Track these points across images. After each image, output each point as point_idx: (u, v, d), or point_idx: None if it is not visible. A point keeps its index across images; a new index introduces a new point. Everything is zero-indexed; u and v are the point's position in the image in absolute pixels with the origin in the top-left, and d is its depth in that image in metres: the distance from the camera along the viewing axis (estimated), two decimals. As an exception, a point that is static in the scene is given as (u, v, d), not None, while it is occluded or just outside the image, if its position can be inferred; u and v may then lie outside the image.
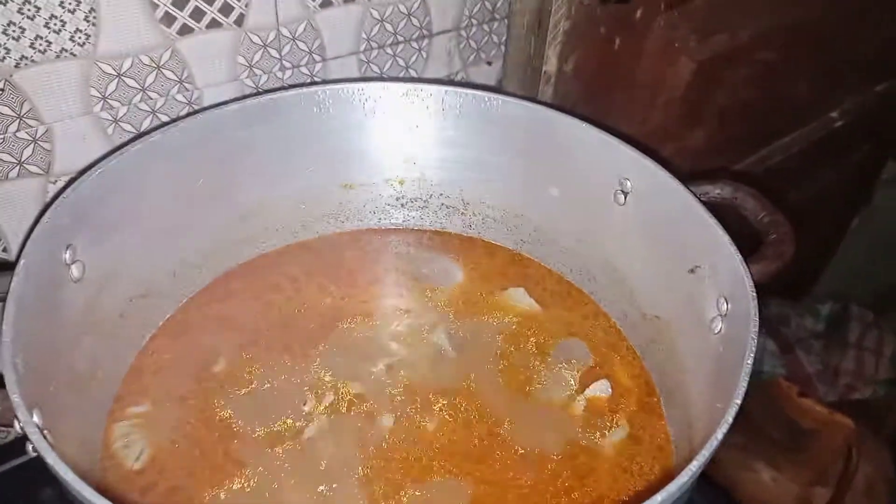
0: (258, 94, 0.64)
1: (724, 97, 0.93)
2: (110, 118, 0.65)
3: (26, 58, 0.57)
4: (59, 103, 0.61)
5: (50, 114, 0.61)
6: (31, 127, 0.60)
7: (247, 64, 0.68)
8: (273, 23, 0.68)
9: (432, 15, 0.78)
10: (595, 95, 0.78)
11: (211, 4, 0.63)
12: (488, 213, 0.67)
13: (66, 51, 0.58)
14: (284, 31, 0.69)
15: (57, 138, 0.63)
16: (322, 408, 0.54)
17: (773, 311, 1.43)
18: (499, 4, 0.80)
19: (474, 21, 0.82)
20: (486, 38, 0.84)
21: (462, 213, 0.68)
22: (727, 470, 1.17)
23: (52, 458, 0.32)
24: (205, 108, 0.63)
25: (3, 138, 0.60)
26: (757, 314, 0.41)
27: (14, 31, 0.56)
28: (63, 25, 0.57)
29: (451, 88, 0.61)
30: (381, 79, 0.68)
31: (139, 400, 0.54)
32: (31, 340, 0.40)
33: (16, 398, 0.34)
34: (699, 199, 0.50)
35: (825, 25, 0.98)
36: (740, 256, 0.45)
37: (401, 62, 0.79)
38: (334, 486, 0.49)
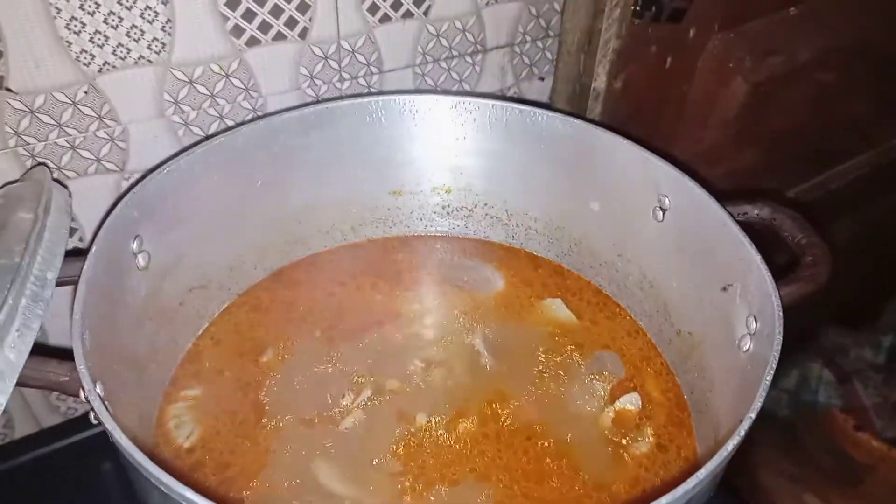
0: (316, 102, 0.68)
1: (779, 119, 0.93)
2: (181, 121, 0.69)
3: (108, 63, 0.62)
4: (136, 106, 0.66)
5: (127, 115, 0.66)
6: (109, 127, 0.66)
7: (308, 74, 0.72)
8: (334, 36, 0.72)
9: (487, 31, 0.81)
10: (644, 114, 0.79)
11: (277, 18, 0.68)
12: (531, 225, 0.69)
13: (144, 58, 0.63)
14: (345, 45, 0.73)
15: (132, 138, 0.68)
16: (359, 401, 0.56)
17: (831, 341, 1.40)
18: (553, 22, 0.82)
19: (528, 38, 0.84)
20: (539, 54, 0.86)
21: (505, 224, 0.70)
22: (776, 499, 1.14)
23: (111, 426, 0.36)
24: (266, 115, 0.67)
25: (85, 137, 0.65)
26: (781, 333, 0.42)
27: (99, 39, 0.61)
28: (142, 35, 0.62)
29: (497, 102, 0.63)
30: (431, 91, 0.71)
31: (192, 383, 0.57)
32: (98, 321, 0.45)
33: (82, 369, 0.38)
34: (735, 218, 0.51)
35: (888, 48, 0.96)
36: (770, 275, 0.45)
37: (455, 76, 0.82)
38: (365, 476, 0.51)
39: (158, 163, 0.66)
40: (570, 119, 0.61)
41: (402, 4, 0.73)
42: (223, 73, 0.68)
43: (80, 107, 0.63)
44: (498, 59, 0.84)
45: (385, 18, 0.73)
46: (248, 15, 0.66)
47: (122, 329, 0.49)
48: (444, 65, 0.80)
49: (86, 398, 0.36)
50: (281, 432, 0.54)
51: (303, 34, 0.69)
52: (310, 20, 0.69)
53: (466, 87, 0.84)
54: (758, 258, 0.47)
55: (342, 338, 0.62)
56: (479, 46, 0.82)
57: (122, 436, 0.34)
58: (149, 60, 0.64)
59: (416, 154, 0.67)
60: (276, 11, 0.67)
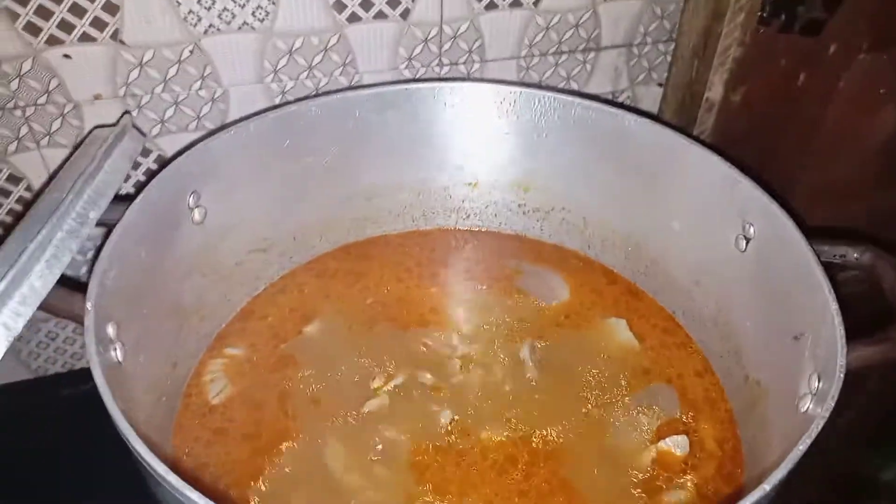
0: (396, 82, 0.67)
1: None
2: (278, 90, 0.71)
3: (213, 26, 0.64)
4: (237, 70, 0.68)
5: (227, 78, 0.68)
6: (211, 87, 0.68)
7: (407, 56, 0.72)
8: (437, 19, 0.70)
9: (602, 28, 0.76)
10: (764, 134, 0.71)
11: (380, -5, 0.67)
12: (608, 237, 0.65)
13: (248, 24, 0.65)
14: (447, 29, 0.71)
15: (232, 100, 0.70)
16: (388, 387, 0.55)
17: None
18: (678, 24, 0.76)
19: (649, 39, 0.78)
20: (660, 58, 0.80)
21: (582, 232, 0.66)
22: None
23: (97, 374, 0.36)
24: (342, 90, 0.67)
25: (188, 94, 0.68)
26: (836, 395, 0.35)
27: (206, 2, 0.63)
28: (247, 1, 0.64)
29: (582, 101, 0.59)
30: (509, 83, 0.67)
31: (237, 342, 0.59)
32: (135, 265, 0.46)
33: (89, 305, 0.39)
34: (822, 258, 0.44)
35: None
36: (842, 329, 0.39)
37: (562, 72, 0.78)
38: (371, 468, 0.50)
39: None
40: (658, 126, 0.56)
41: (510, -8, 0.70)
42: (322, 47, 0.69)
43: (185, 65, 0.66)
44: (612, 59, 0.79)
45: (491, 6, 0.71)
46: (351, -10, 0.66)
47: (165, 278, 0.51)
48: (551, 59, 0.77)
49: (84, 338, 0.37)
50: (306, 406, 0.54)
51: (404, 14, 0.69)
52: (412, 1, 0.68)
53: (574, 86, 0.80)
54: (834, 306, 0.40)
55: (389, 322, 0.61)
56: (591, 44, 0.77)
57: (98, 371, 0.35)
58: (252, 27, 0.65)
59: (496, 147, 0.64)
60: (380, -11, 0.66)
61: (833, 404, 0.36)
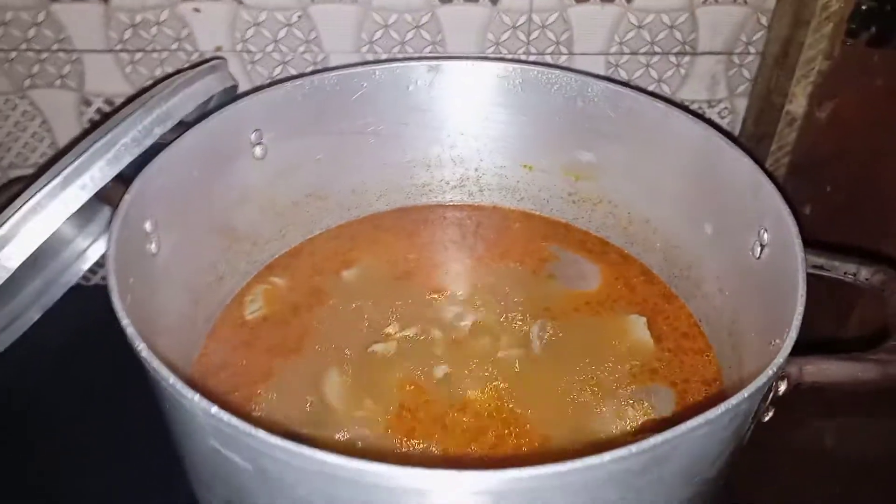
0: (458, 57, 0.70)
1: None
2: (372, 59, 0.78)
3: (321, -5, 0.72)
4: (337, 38, 0.75)
5: (329, 45, 0.76)
6: (315, 52, 0.76)
7: (494, 41, 0.75)
8: (526, 7, 0.73)
9: (700, 32, 0.75)
10: (856, 157, 0.67)
11: (472, -20, 0.71)
12: (649, 237, 0.64)
13: (351, -4, 0.72)
14: (535, 18, 0.74)
15: (331, 65, 0.78)
16: (399, 335, 0.59)
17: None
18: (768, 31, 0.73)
19: (752, 49, 0.76)
20: (762, 70, 0.77)
21: (625, 229, 0.66)
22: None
23: (109, 248, 0.43)
24: (398, 59, 0.72)
25: (294, 56, 0.77)
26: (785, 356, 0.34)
27: (316, -27, 0.71)
28: (352, -24, 0.71)
29: (630, 92, 0.59)
30: (563, 68, 0.68)
31: (283, 274, 0.66)
32: (185, 179, 0.54)
33: (128, 197, 0.47)
34: (830, 273, 0.42)
35: None
36: (788, 344, 0.37)
37: (653, 74, 0.78)
38: (361, 402, 0.55)
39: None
40: (701, 124, 0.55)
41: (603, -13, 0.71)
42: (414, 24, 0.74)
43: (293, 29, 0.74)
44: (709, 65, 0.78)
45: (584, -1, 0.72)
46: (446, -27, 0.71)
47: (217, 200, 0.59)
48: (642, 59, 0.77)
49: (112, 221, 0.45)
50: (321, 336, 0.59)
51: (495, 0, 0.72)
52: (504, -13, 0.71)
53: (666, 89, 0.79)
54: (795, 322, 0.38)
55: (419, 281, 0.65)
56: (687, 47, 0.76)
57: (111, 252, 0.42)
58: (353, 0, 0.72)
59: (552, 131, 0.66)
60: (472, -26, 0.70)
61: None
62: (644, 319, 0.60)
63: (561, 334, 0.60)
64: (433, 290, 0.65)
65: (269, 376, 0.56)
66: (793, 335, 0.38)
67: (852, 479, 0.82)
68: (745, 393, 0.34)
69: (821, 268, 0.46)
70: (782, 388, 0.39)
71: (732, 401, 0.33)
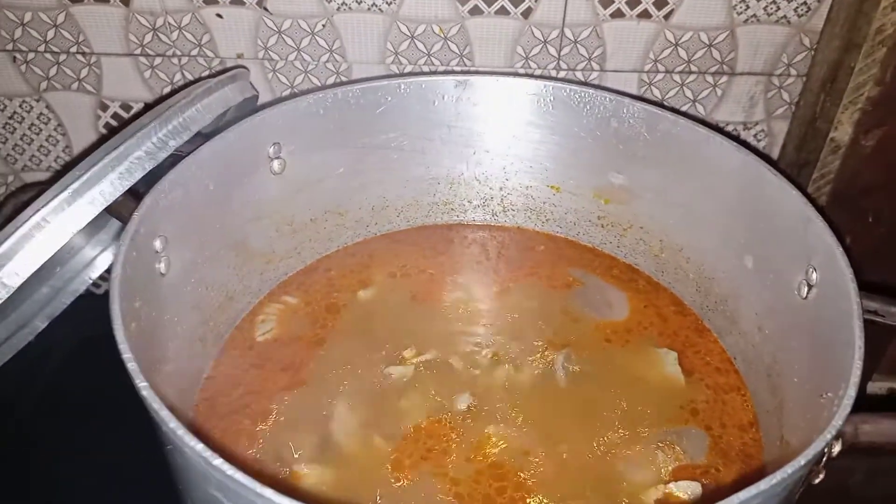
0: (486, 72, 0.67)
1: None
2: (397, 71, 0.75)
3: (346, 4, 0.70)
4: (361, 48, 0.73)
5: (353, 55, 0.73)
6: (337, 61, 0.74)
7: (524, 55, 0.73)
8: (558, 22, 0.70)
9: (739, 51, 0.72)
10: (902, 188, 0.63)
11: (504, -8, 0.69)
12: (682, 265, 0.61)
13: (376, 6, 0.70)
14: (568, 33, 0.71)
15: (354, 75, 0.75)
16: (416, 360, 0.56)
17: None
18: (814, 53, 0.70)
19: (793, 71, 0.72)
20: (804, 93, 0.74)
21: (656, 257, 0.63)
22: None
23: (115, 271, 0.41)
24: (424, 73, 0.69)
25: (316, 65, 0.74)
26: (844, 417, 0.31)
27: (346, -21, 0.68)
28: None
29: (668, 114, 0.56)
30: (595, 87, 0.65)
31: (296, 293, 0.63)
32: (200, 193, 0.52)
33: (137, 215, 0.44)
34: (864, 312, 0.38)
35: None
36: (853, 392, 0.34)
37: (688, 93, 0.75)
38: (379, 428, 0.52)
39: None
40: (742, 151, 0.52)
41: (639, 3, 0.69)
42: (442, 36, 0.72)
43: (317, 37, 0.72)
44: (748, 86, 0.75)
45: (618, 14, 0.69)
46: (479, -16, 0.68)
47: (232, 215, 0.56)
48: (677, 78, 0.74)
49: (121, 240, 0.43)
50: (335, 360, 0.57)
51: (526, 13, 0.70)
52: (535, 1, 0.69)
53: (701, 110, 0.76)
54: (854, 379, 0.35)
55: (439, 304, 0.62)
56: (725, 67, 0.73)
57: (117, 275, 0.40)
58: (380, 9, 0.70)
59: (583, 152, 0.63)
60: (503, -15, 0.67)
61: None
62: (675, 354, 0.57)
63: (586, 366, 0.57)
64: (452, 313, 0.62)
65: (277, 403, 0.54)
66: (851, 393, 0.34)
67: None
68: (801, 460, 0.31)
69: (875, 313, 0.42)
70: (836, 449, 0.35)
71: (787, 469, 0.30)
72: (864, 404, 0.36)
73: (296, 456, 0.50)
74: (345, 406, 0.54)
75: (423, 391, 0.55)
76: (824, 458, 0.35)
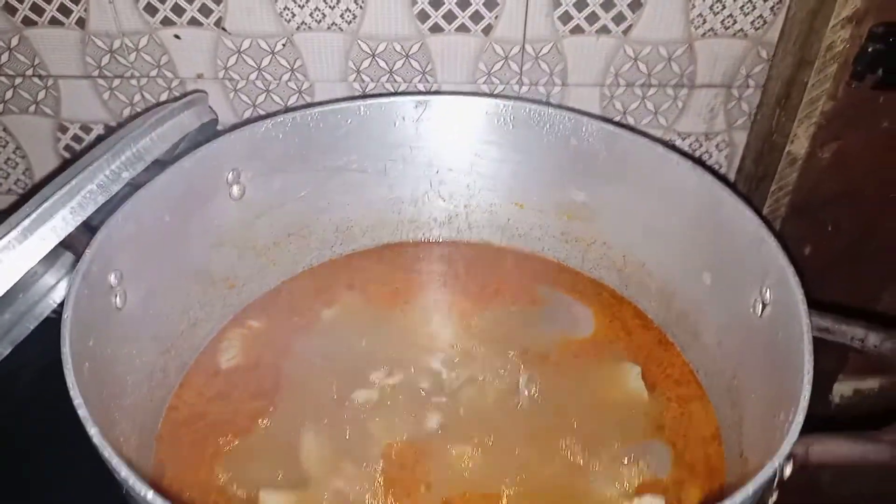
0: (445, 93, 0.68)
1: None
2: (360, 89, 0.75)
3: (305, 23, 0.69)
4: (323, 66, 0.73)
5: (314, 73, 0.73)
6: (299, 80, 0.74)
7: (486, 71, 0.73)
8: (519, 38, 0.71)
9: (698, 65, 0.73)
10: (859, 198, 0.64)
11: (463, 10, 0.69)
12: (644, 280, 0.61)
13: (336, 25, 0.70)
14: (529, 49, 0.71)
15: (317, 94, 0.75)
16: (384, 383, 0.56)
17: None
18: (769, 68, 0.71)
19: (751, 82, 0.73)
20: (762, 104, 0.75)
21: (620, 271, 0.63)
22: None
23: (66, 311, 0.40)
24: (384, 94, 0.69)
25: (278, 84, 0.74)
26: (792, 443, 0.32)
27: (301, 1, 0.68)
28: (338, 3, 0.68)
29: (628, 134, 0.57)
30: (551, 105, 0.65)
31: (261, 317, 0.63)
32: (156, 225, 0.51)
33: (88, 252, 0.44)
34: (816, 330, 0.39)
35: None
36: (800, 417, 0.34)
37: (649, 106, 0.76)
38: (347, 453, 0.52)
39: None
40: (697, 169, 0.52)
41: (598, 18, 0.69)
42: (403, 54, 0.72)
43: (278, 57, 0.72)
44: (708, 98, 0.75)
45: (577, 30, 0.70)
46: (436, 2, 0.68)
47: (191, 243, 0.56)
48: (638, 91, 0.75)
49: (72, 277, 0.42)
50: (300, 384, 0.56)
51: (486, 30, 0.70)
52: (496, 18, 0.69)
53: (662, 121, 0.77)
54: (802, 403, 0.36)
55: (404, 324, 0.62)
56: (684, 80, 0.74)
57: (68, 325, 0.39)
58: (340, 28, 0.70)
59: (545, 170, 0.63)
60: (463, 3, 0.68)
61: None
62: (638, 369, 0.58)
63: (551, 383, 0.58)
64: (417, 334, 0.62)
65: (244, 432, 0.53)
66: (799, 419, 0.35)
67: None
68: (749, 489, 0.31)
69: (826, 331, 0.43)
70: (787, 470, 0.36)
71: (737, 498, 0.31)
72: (830, 407, 0.36)
73: (263, 484, 0.49)
74: (312, 432, 0.53)
75: (391, 414, 0.55)
76: (776, 481, 0.36)
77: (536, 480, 0.51)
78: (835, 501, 0.84)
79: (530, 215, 0.66)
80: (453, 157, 0.65)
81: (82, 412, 0.33)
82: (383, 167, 0.64)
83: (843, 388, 0.85)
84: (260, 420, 0.54)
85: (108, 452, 0.31)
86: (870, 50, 0.55)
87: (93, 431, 0.32)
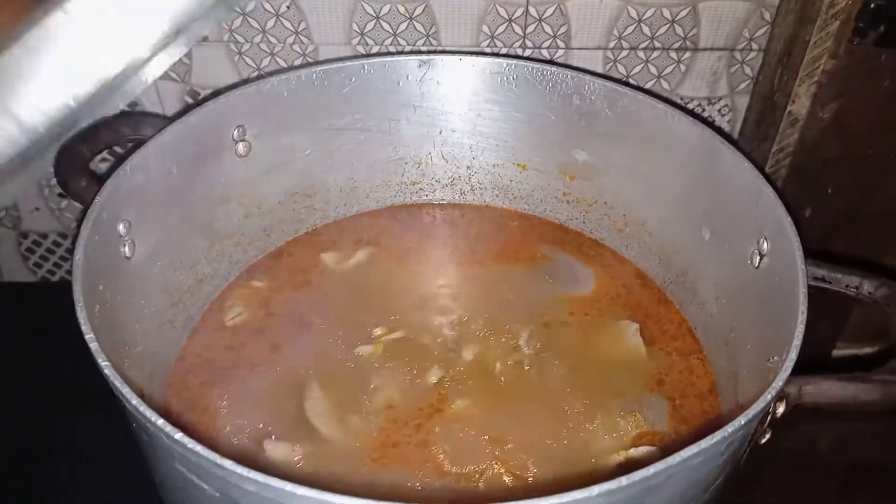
0: (449, 52, 0.68)
1: None
2: (363, 52, 0.75)
3: (316, -15, 0.69)
4: (327, 30, 0.73)
5: (319, 36, 0.73)
6: (304, 43, 0.74)
7: (489, 34, 0.73)
8: (523, 0, 0.71)
9: (702, 27, 0.73)
10: (859, 159, 0.64)
11: (467, -29, 0.69)
12: (645, 240, 0.62)
13: (342, -15, 0.69)
14: (532, 11, 0.71)
15: (321, 57, 0.75)
16: (386, 338, 0.57)
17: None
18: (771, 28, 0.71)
19: (755, 45, 0.73)
20: (765, 67, 0.75)
21: (621, 231, 0.64)
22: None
23: (77, 254, 0.41)
24: (388, 53, 0.69)
25: (282, 47, 0.74)
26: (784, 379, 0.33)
27: (305, -39, 0.68)
28: (343, -36, 0.68)
29: (629, 91, 0.57)
30: (557, 64, 0.66)
31: (263, 277, 0.64)
32: (163, 178, 0.52)
33: (98, 199, 0.45)
34: (832, 286, 0.40)
35: None
36: (794, 355, 0.35)
37: (653, 69, 0.76)
38: (350, 405, 0.53)
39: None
40: (697, 124, 0.53)
41: (602, -20, 0.69)
42: (407, 16, 0.72)
43: (282, 19, 0.72)
44: (711, 62, 0.75)
45: (581, -9, 0.70)
46: (439, -39, 0.68)
47: (198, 198, 0.56)
48: (641, 55, 0.75)
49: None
50: (305, 342, 0.57)
51: (491, -9, 0.70)
52: (500, -22, 0.69)
53: (665, 85, 0.77)
54: (796, 342, 0.36)
55: (407, 282, 0.63)
56: (688, 43, 0.74)
57: (82, 247, 0.40)
58: (345, -10, 0.69)
59: (548, 129, 0.64)
60: (468, -37, 0.67)
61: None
62: (636, 326, 0.58)
63: (552, 340, 0.58)
64: (421, 291, 0.63)
65: (249, 384, 0.54)
66: (792, 356, 0.36)
67: (847, 480, 0.81)
68: (741, 420, 0.32)
69: (822, 280, 0.44)
70: (780, 409, 0.37)
71: (728, 428, 0.32)
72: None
73: (268, 433, 0.50)
74: (316, 385, 0.54)
75: (394, 369, 0.56)
76: (769, 418, 0.37)
77: (536, 433, 0.52)
78: (832, 468, 0.85)
79: (533, 176, 0.67)
80: (456, 117, 0.66)
81: (93, 346, 0.34)
82: (387, 127, 0.65)
83: (840, 355, 0.86)
84: (264, 373, 0.55)
85: (118, 382, 0.32)
86: (872, 6, 0.55)
87: (104, 364, 0.33)
